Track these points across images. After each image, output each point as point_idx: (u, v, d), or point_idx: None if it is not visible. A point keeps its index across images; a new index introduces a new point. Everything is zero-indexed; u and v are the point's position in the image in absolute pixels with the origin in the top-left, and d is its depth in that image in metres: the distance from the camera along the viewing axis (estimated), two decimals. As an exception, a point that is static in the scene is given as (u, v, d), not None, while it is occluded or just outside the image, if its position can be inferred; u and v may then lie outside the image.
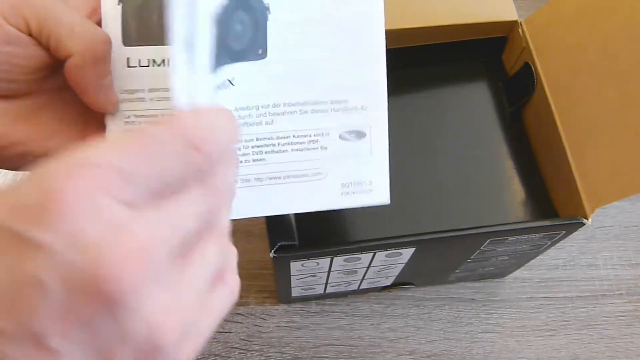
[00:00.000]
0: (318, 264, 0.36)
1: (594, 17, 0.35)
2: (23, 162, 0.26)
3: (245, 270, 0.47)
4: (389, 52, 0.28)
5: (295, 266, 0.36)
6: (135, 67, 0.27)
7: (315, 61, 0.27)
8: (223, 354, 0.46)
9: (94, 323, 0.15)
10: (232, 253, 0.20)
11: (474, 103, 0.43)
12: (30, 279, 0.15)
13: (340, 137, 0.28)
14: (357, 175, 0.29)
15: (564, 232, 0.37)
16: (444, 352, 0.47)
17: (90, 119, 0.28)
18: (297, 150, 0.28)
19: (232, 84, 0.25)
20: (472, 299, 0.49)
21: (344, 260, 0.36)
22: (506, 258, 0.42)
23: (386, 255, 0.36)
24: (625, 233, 0.52)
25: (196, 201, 0.18)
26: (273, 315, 0.48)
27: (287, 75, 0.27)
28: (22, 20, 0.24)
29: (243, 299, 0.48)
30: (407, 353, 0.47)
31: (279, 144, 0.28)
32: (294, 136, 0.28)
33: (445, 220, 0.38)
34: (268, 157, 0.28)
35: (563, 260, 0.51)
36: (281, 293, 0.46)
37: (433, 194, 0.39)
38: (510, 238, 0.37)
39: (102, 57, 0.25)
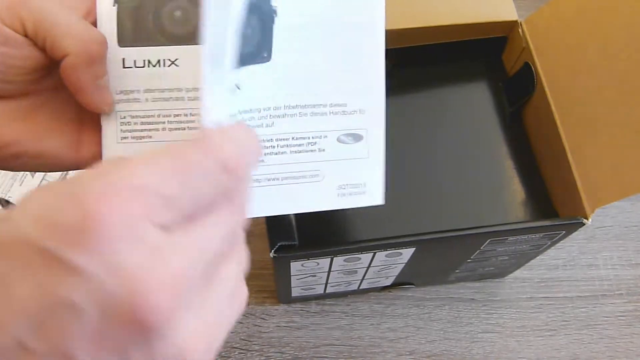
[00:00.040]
0: (318, 264, 0.36)
1: (594, 17, 0.35)
2: (18, 163, 0.26)
3: (245, 270, 0.47)
4: (389, 52, 0.28)
5: (295, 266, 0.36)
6: (130, 67, 0.27)
7: (317, 65, 0.27)
8: (223, 353, 0.46)
9: (126, 348, 0.15)
10: (246, 264, 0.21)
11: (474, 103, 0.43)
12: (63, 300, 0.15)
13: (338, 139, 0.29)
14: (353, 177, 0.29)
15: (564, 232, 0.37)
16: (444, 352, 0.47)
17: (85, 119, 0.28)
18: (295, 152, 0.28)
19: (239, 88, 0.25)
20: (472, 299, 0.49)
21: (344, 260, 0.37)
22: (506, 258, 0.42)
23: (386, 255, 0.36)
24: (625, 233, 0.52)
25: (223, 221, 0.18)
26: (273, 315, 0.48)
27: (289, 78, 0.27)
28: (18, 21, 0.24)
29: (243, 299, 0.48)
30: (407, 353, 0.47)
31: (278, 146, 0.28)
32: (293, 138, 0.28)
33: (445, 220, 0.38)
34: (267, 159, 0.28)
35: (563, 260, 0.51)
36: (281, 293, 0.46)
37: (433, 194, 0.39)
38: (510, 238, 0.37)
39: (97, 58, 0.25)
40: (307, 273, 0.38)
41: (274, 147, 0.28)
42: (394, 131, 0.41)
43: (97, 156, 0.28)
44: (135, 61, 0.27)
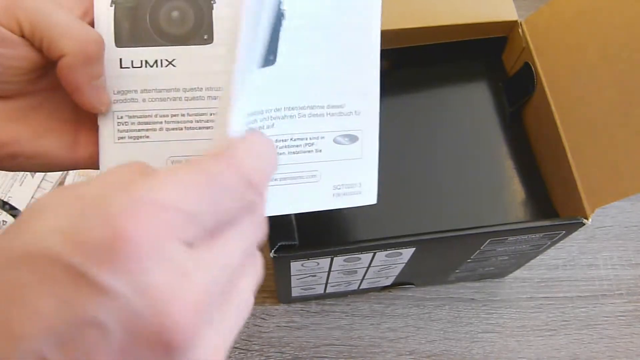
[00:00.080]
0: (318, 264, 0.36)
1: (594, 17, 0.35)
2: (15, 163, 0.26)
3: (245, 270, 0.47)
4: (390, 52, 0.28)
5: (295, 266, 0.36)
6: (128, 68, 0.28)
7: (316, 66, 0.27)
8: (223, 354, 0.46)
9: None
10: (261, 276, 0.21)
11: (474, 103, 0.43)
12: (90, 318, 0.15)
13: (334, 140, 0.29)
14: (348, 177, 0.30)
15: (564, 232, 0.37)
16: (444, 352, 0.47)
17: (82, 119, 0.28)
18: (293, 152, 0.28)
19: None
20: (472, 299, 0.49)
21: (344, 260, 0.37)
22: (506, 258, 0.42)
23: (386, 255, 0.36)
24: (625, 233, 0.52)
25: (243, 235, 0.19)
26: (273, 315, 0.48)
27: (291, 80, 0.27)
28: (15, 21, 0.24)
29: (243, 299, 0.48)
30: (407, 353, 0.47)
31: (277, 147, 0.28)
32: (291, 139, 0.28)
33: (445, 220, 0.38)
34: None
35: (563, 260, 0.51)
36: (281, 293, 0.46)
37: (433, 194, 0.39)
38: (510, 238, 0.37)
39: (94, 58, 0.25)
40: (307, 273, 0.38)
41: None
42: (394, 131, 0.41)
43: (94, 156, 0.28)
44: (132, 61, 0.28)
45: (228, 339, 0.18)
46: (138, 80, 0.28)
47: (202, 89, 0.28)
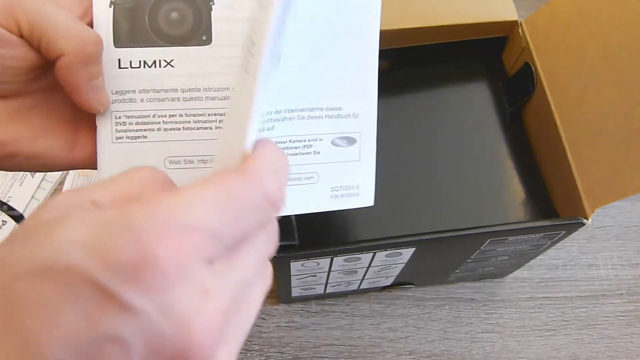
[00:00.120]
0: (318, 264, 0.36)
1: (594, 17, 0.35)
2: (13, 163, 0.26)
3: (245, 270, 0.47)
4: (390, 52, 0.28)
5: (295, 266, 0.36)
6: (126, 68, 0.28)
7: (316, 69, 0.27)
8: (223, 354, 0.46)
9: None
10: (270, 284, 0.21)
11: (474, 103, 0.43)
12: (112, 335, 0.15)
13: (332, 142, 0.29)
14: (346, 179, 0.30)
15: (564, 232, 0.37)
16: (444, 352, 0.47)
17: (80, 119, 0.28)
18: (292, 154, 0.28)
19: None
20: (472, 299, 0.49)
21: (344, 260, 0.37)
22: (506, 258, 0.42)
23: (386, 255, 0.36)
24: (625, 233, 0.52)
25: (259, 249, 0.19)
26: (273, 315, 0.48)
27: (292, 83, 0.27)
28: (14, 21, 0.24)
29: (243, 299, 0.48)
30: (407, 353, 0.47)
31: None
32: (290, 141, 0.28)
33: (445, 220, 0.38)
34: None
35: (563, 260, 0.51)
36: (281, 293, 0.46)
37: (433, 194, 0.39)
38: (510, 238, 0.37)
39: (93, 58, 0.25)
40: (307, 273, 0.38)
41: None
42: (394, 131, 0.41)
43: (93, 156, 0.28)
44: (131, 62, 0.28)
45: (238, 348, 0.18)
46: (136, 80, 0.28)
47: (200, 89, 0.28)
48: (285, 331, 0.47)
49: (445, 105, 0.43)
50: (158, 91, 0.28)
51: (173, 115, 0.28)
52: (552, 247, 0.40)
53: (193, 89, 0.28)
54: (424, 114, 0.42)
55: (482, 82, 0.44)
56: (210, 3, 0.28)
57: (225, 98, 0.29)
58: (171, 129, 0.28)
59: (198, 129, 0.28)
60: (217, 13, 0.28)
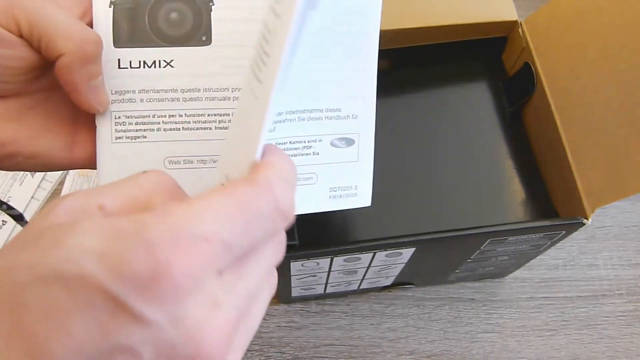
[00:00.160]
0: (318, 264, 0.36)
1: (594, 17, 0.35)
2: (12, 163, 0.27)
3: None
4: (389, 52, 0.28)
5: (295, 266, 0.36)
6: (126, 68, 0.28)
7: (317, 71, 0.27)
8: (223, 354, 0.46)
9: None
10: (275, 289, 0.21)
11: (474, 103, 0.43)
12: (123, 345, 0.15)
13: (331, 143, 0.29)
14: (344, 179, 0.30)
15: (564, 232, 0.37)
16: (444, 352, 0.47)
17: (80, 119, 0.28)
18: (291, 155, 0.28)
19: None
20: (472, 299, 0.49)
21: (344, 260, 0.37)
22: (506, 258, 0.42)
23: (386, 255, 0.36)
24: (625, 233, 0.52)
25: (267, 258, 0.19)
26: (273, 315, 0.48)
27: (293, 85, 0.27)
28: (13, 21, 0.24)
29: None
30: (407, 353, 0.47)
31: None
32: (290, 142, 0.28)
33: (445, 220, 0.38)
34: None
35: (563, 260, 0.51)
36: (281, 293, 0.46)
37: (433, 194, 0.39)
38: (510, 238, 0.37)
39: (92, 58, 0.25)
40: (307, 273, 0.38)
41: None
42: (394, 131, 0.41)
43: (92, 156, 0.28)
44: (130, 62, 0.28)
45: (243, 353, 0.19)
46: (136, 80, 0.28)
47: (200, 89, 0.28)
48: (285, 331, 0.47)
49: (445, 105, 0.43)
50: (158, 91, 0.28)
51: (173, 116, 0.28)
52: (552, 247, 0.40)
53: (193, 89, 0.28)
54: (424, 114, 0.42)
55: (482, 82, 0.44)
56: (210, 4, 0.28)
57: (225, 98, 0.29)
58: (171, 129, 0.28)
59: (198, 129, 0.28)
60: (217, 13, 0.28)
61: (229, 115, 0.29)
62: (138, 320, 0.15)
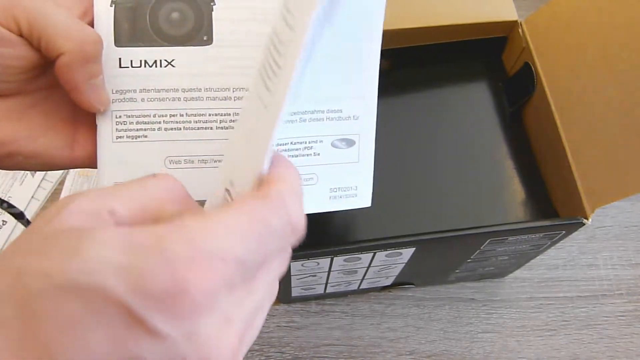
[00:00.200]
0: (318, 264, 0.36)
1: (594, 17, 0.35)
2: (12, 162, 0.26)
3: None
4: (389, 52, 0.28)
5: (295, 266, 0.36)
6: (127, 67, 0.28)
7: (319, 73, 0.27)
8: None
9: None
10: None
11: (474, 103, 0.43)
12: (136, 358, 0.15)
13: (332, 144, 0.29)
14: (345, 180, 0.30)
15: (564, 232, 0.37)
16: (444, 352, 0.47)
17: (80, 118, 0.28)
18: (293, 156, 0.28)
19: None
20: (472, 299, 0.49)
21: (344, 260, 0.37)
22: (506, 258, 0.42)
23: (386, 255, 0.36)
24: (625, 233, 0.52)
25: (275, 272, 0.20)
26: (273, 315, 0.48)
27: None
28: (13, 20, 0.24)
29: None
30: (407, 353, 0.47)
31: (277, 150, 0.28)
32: (291, 143, 0.28)
33: (445, 220, 0.38)
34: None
35: (563, 260, 0.51)
36: (281, 293, 0.46)
37: (433, 194, 0.39)
38: (510, 238, 0.37)
39: (92, 57, 0.25)
40: (307, 273, 0.38)
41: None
42: (394, 131, 0.41)
43: (92, 155, 0.28)
44: (131, 61, 0.28)
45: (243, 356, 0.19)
46: (137, 80, 0.28)
47: (201, 89, 0.28)
48: (285, 331, 0.47)
49: (445, 105, 0.43)
50: (159, 91, 0.28)
51: (174, 115, 0.28)
52: (552, 247, 0.40)
53: (194, 89, 0.28)
54: (424, 114, 0.42)
55: (482, 82, 0.44)
56: (212, 4, 0.28)
57: (226, 98, 0.29)
58: (172, 129, 0.28)
59: (199, 129, 0.29)
60: (218, 13, 0.28)
61: (230, 115, 0.29)
62: (153, 335, 0.15)
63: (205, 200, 0.24)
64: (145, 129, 0.28)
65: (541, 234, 0.37)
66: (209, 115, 0.28)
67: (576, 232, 0.37)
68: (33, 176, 0.52)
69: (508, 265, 0.45)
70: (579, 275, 0.50)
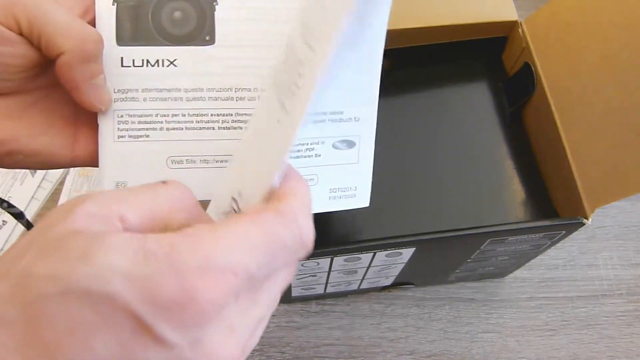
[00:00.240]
0: (318, 263, 0.36)
1: (594, 17, 0.35)
2: (13, 161, 0.26)
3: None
4: (389, 52, 0.28)
5: (295, 266, 0.36)
6: (129, 67, 0.28)
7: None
8: (223, 353, 0.46)
9: None
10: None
11: (474, 103, 0.43)
12: None
13: (333, 145, 0.29)
14: (344, 181, 0.30)
15: (564, 232, 0.37)
16: (444, 352, 0.47)
17: (81, 117, 0.28)
18: (294, 157, 0.28)
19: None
20: (472, 298, 0.49)
21: (344, 260, 0.37)
22: (506, 258, 0.42)
23: (386, 255, 0.36)
24: (625, 233, 0.52)
25: (280, 285, 0.20)
26: (273, 315, 0.48)
27: None
28: (13, 19, 0.24)
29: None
30: (407, 353, 0.47)
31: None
32: (294, 144, 0.28)
33: (445, 220, 0.38)
34: None
35: (563, 260, 0.51)
36: (281, 293, 0.46)
37: (433, 194, 0.39)
38: (510, 238, 0.37)
39: (92, 56, 0.25)
40: (307, 273, 0.38)
41: None
42: (394, 131, 0.41)
43: (93, 154, 0.28)
44: (133, 60, 0.28)
45: None
46: (139, 79, 0.28)
47: (203, 89, 0.28)
48: (285, 331, 0.47)
49: (445, 105, 0.43)
50: (161, 90, 0.28)
51: (176, 115, 0.28)
52: (552, 247, 0.40)
53: (196, 88, 0.28)
54: (424, 114, 0.42)
55: (482, 82, 0.44)
56: (214, 3, 0.28)
57: (228, 98, 0.29)
58: (174, 129, 0.28)
59: (201, 129, 0.28)
60: (221, 13, 0.28)
61: (232, 115, 0.29)
62: (160, 343, 0.15)
63: (205, 200, 0.24)
64: (147, 129, 0.28)
65: (541, 234, 0.37)
66: (211, 115, 0.28)
67: (576, 232, 0.37)
68: (33, 176, 0.52)
69: (508, 265, 0.45)
70: (579, 275, 0.50)
